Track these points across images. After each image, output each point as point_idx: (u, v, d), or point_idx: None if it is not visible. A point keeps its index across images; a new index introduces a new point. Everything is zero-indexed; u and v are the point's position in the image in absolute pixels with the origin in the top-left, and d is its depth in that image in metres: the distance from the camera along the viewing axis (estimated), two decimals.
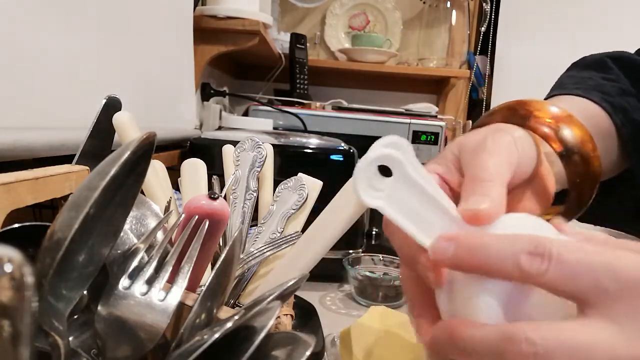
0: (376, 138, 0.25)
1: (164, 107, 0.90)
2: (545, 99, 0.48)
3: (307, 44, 1.54)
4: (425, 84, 1.85)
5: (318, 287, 0.72)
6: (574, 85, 0.48)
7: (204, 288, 0.27)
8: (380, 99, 1.81)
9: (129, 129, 0.40)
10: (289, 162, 0.73)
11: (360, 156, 0.89)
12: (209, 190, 0.40)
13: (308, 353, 0.24)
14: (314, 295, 0.69)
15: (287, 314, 0.37)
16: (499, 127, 0.34)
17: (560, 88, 0.49)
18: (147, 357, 0.27)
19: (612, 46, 0.56)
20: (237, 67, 1.70)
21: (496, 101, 1.80)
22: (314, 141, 0.76)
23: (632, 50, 0.54)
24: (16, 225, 0.27)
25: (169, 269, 0.27)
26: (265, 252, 0.44)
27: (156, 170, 0.45)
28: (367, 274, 0.69)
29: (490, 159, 0.29)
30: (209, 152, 0.74)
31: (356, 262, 0.72)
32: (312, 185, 0.45)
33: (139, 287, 0.27)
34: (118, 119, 0.40)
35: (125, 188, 0.26)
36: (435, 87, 1.85)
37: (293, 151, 0.75)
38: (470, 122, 1.79)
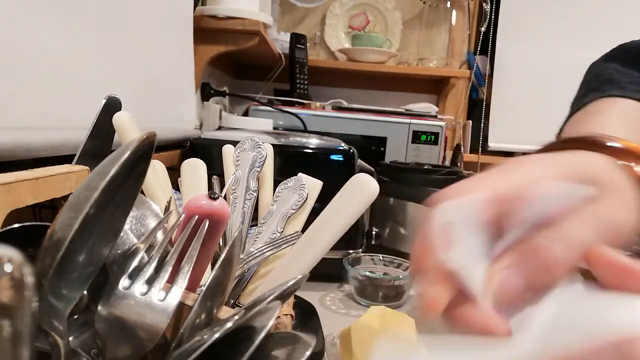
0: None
1: (164, 107, 0.90)
2: (595, 93, 0.43)
3: (307, 44, 1.54)
4: (425, 84, 1.85)
5: (318, 287, 0.72)
6: (631, 84, 0.42)
7: (204, 288, 0.27)
8: (380, 99, 1.81)
9: (129, 129, 0.40)
10: (289, 162, 0.73)
11: (360, 156, 0.88)
12: (209, 190, 0.40)
13: (308, 353, 0.24)
14: (314, 295, 0.69)
15: (287, 314, 0.37)
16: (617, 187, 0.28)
17: (614, 87, 0.43)
18: (147, 357, 0.26)
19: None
20: (237, 67, 1.70)
21: (496, 101, 1.80)
22: (314, 141, 0.76)
23: None
24: (16, 225, 0.27)
25: (169, 269, 0.27)
26: (265, 252, 0.43)
27: (156, 170, 0.45)
28: (367, 274, 0.69)
29: (582, 226, 0.24)
30: (209, 152, 0.74)
31: (356, 262, 0.72)
32: (312, 185, 0.45)
33: (139, 287, 0.27)
34: (118, 119, 0.40)
35: (125, 188, 0.26)
36: (435, 87, 1.85)
37: (293, 151, 0.75)
38: (470, 122, 1.79)
